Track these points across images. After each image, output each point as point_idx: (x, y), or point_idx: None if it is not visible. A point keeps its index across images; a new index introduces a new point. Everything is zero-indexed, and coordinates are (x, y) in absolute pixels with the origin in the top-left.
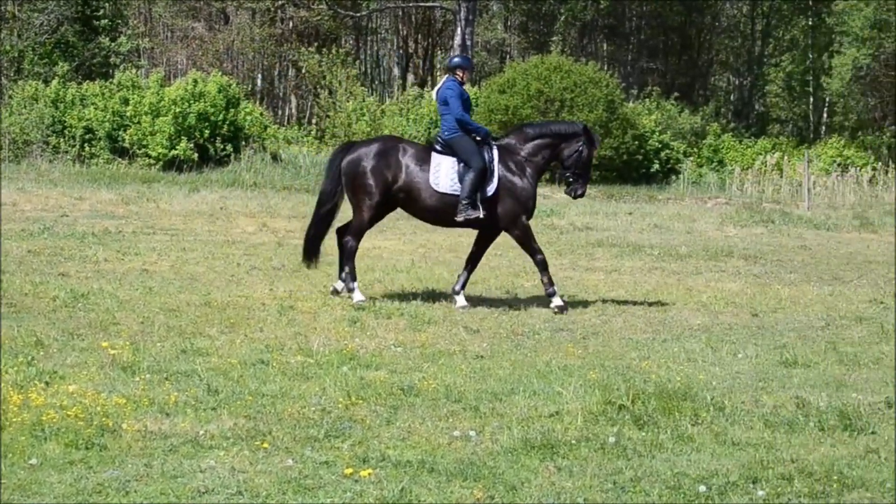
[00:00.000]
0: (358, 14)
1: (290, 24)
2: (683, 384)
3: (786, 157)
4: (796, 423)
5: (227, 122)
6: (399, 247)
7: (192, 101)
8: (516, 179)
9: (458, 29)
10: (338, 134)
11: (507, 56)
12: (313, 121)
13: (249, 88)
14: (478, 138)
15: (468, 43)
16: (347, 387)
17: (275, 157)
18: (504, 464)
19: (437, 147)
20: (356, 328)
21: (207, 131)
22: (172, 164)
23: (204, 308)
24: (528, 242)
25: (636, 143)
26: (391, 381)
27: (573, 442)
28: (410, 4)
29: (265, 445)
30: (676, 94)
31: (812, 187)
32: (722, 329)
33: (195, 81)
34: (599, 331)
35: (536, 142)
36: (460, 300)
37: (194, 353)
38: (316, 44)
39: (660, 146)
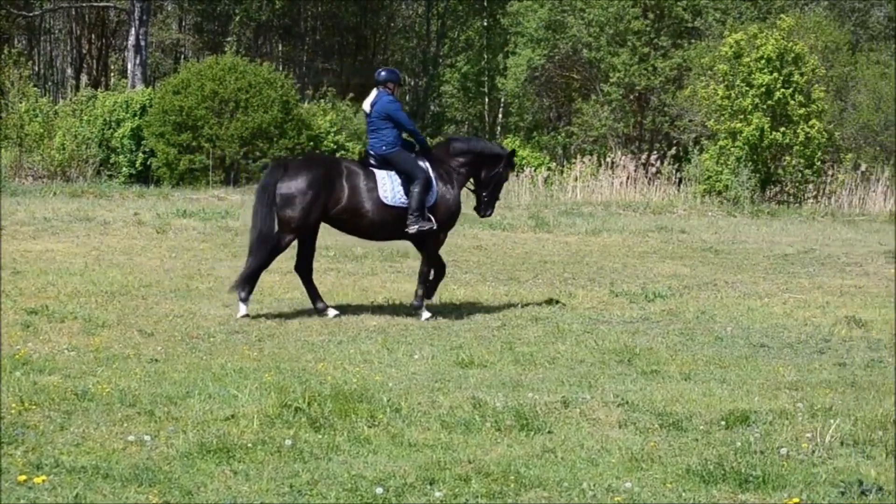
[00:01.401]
0: (31, 14)
1: None
2: (359, 386)
3: None
4: (473, 424)
5: None
6: (72, 249)
7: None
8: (447, 191)
9: (133, 29)
10: (10, 136)
11: (182, 56)
12: None
13: None
14: (416, 150)
15: (142, 43)
16: (20, 392)
17: None
18: (180, 468)
19: (372, 162)
20: (29, 332)
21: None
22: None
23: None
24: (436, 251)
25: (311, 143)
26: (65, 385)
27: (249, 445)
28: (83, 4)
29: None
30: (352, 94)
31: None
32: (398, 330)
33: None
34: (275, 333)
35: (463, 157)
36: (425, 313)
37: None
38: None
39: (335, 147)
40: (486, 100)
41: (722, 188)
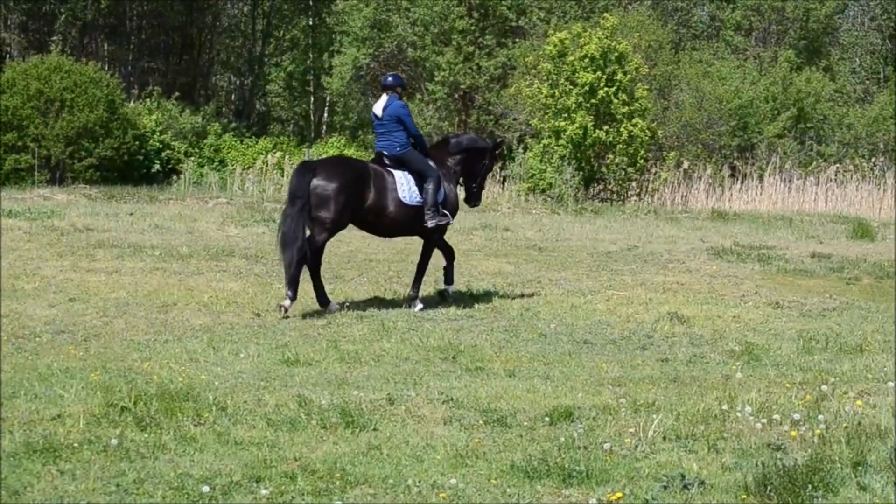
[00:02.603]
0: None
1: None
2: (186, 385)
3: (287, 157)
4: (299, 422)
5: None
6: None
7: None
8: (451, 187)
9: None
10: None
11: (8, 56)
12: None
13: None
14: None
15: None
16: None
17: None
18: (6, 468)
19: (387, 162)
20: None
21: None
22: None
23: None
24: (440, 243)
25: (137, 143)
26: None
27: (76, 445)
28: None
29: None
30: (178, 93)
31: None
32: (224, 329)
33: None
34: (101, 332)
35: (459, 155)
36: (419, 304)
37: None
38: None
39: (161, 146)
40: (312, 99)
41: (546, 186)
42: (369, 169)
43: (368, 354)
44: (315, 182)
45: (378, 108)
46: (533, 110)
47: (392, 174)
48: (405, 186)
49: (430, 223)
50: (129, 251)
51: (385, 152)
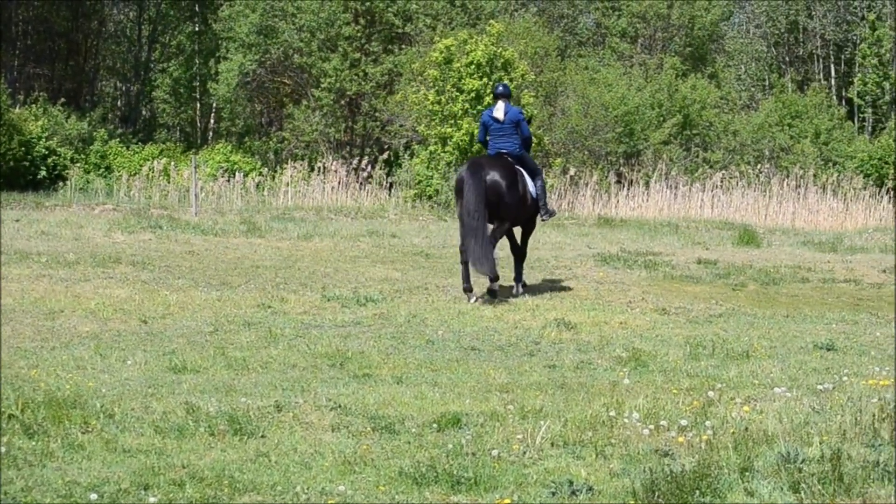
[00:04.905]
0: None
1: None
2: (73, 392)
3: (173, 163)
4: (187, 429)
5: None
6: None
7: None
8: None
9: None
10: None
11: None
12: None
13: None
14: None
15: None
16: None
17: None
18: None
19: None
20: None
21: None
22: None
23: None
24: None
25: (23, 149)
26: None
27: None
28: None
29: None
30: (63, 99)
31: (199, 193)
32: (111, 336)
33: None
34: None
35: None
36: (516, 288)
37: None
38: None
39: (47, 152)
40: (198, 105)
41: (432, 193)
42: (516, 166)
43: (256, 361)
44: (489, 177)
45: (499, 112)
46: (419, 117)
47: (523, 172)
48: (529, 183)
49: (545, 217)
50: (15, 258)
51: (506, 151)
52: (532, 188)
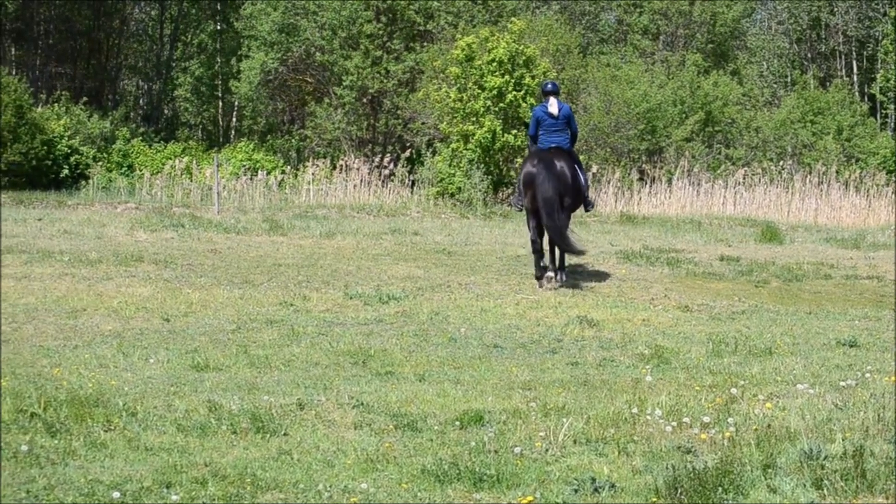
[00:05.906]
0: None
1: None
2: (95, 390)
3: (195, 162)
4: (209, 427)
5: None
6: None
7: None
8: None
9: None
10: None
11: None
12: None
13: None
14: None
15: None
16: None
17: None
18: None
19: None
20: None
21: None
22: None
23: None
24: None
25: (45, 148)
26: None
27: None
28: None
29: None
30: (86, 98)
31: (221, 191)
32: (133, 334)
33: None
34: (10, 338)
35: None
36: (561, 276)
37: None
38: None
39: (69, 151)
40: (220, 103)
41: (455, 190)
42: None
43: (278, 359)
44: (561, 169)
45: (553, 108)
46: (441, 114)
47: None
48: (581, 174)
49: (589, 208)
50: (38, 257)
51: (557, 145)
52: (583, 179)
